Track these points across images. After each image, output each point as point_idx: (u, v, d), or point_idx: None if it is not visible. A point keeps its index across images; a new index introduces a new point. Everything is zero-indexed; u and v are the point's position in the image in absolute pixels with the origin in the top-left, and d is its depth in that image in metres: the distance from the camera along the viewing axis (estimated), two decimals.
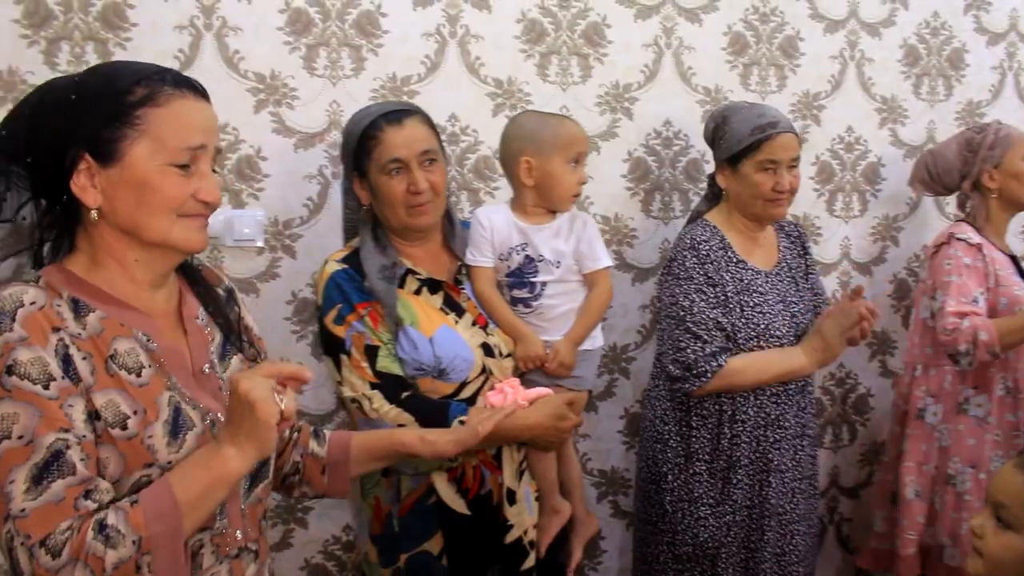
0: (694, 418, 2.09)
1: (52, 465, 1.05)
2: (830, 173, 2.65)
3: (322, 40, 2.14)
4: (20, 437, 1.05)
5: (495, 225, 1.86)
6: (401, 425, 1.68)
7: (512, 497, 1.83)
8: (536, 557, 1.88)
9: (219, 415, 1.23)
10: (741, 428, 2.07)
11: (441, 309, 1.80)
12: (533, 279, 1.86)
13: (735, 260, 2.09)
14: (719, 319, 2.02)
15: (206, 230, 1.24)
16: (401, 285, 1.77)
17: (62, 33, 1.98)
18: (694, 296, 2.03)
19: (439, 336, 1.75)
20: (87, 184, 1.15)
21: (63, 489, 1.05)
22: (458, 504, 1.77)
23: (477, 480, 1.79)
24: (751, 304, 2.06)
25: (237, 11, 2.08)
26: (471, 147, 2.28)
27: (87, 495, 1.06)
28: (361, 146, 1.75)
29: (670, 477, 2.11)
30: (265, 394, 1.10)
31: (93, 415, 1.10)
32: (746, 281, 2.08)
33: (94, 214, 1.17)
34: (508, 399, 1.74)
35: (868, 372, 2.79)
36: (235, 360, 1.33)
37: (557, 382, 1.87)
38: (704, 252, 2.06)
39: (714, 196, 2.22)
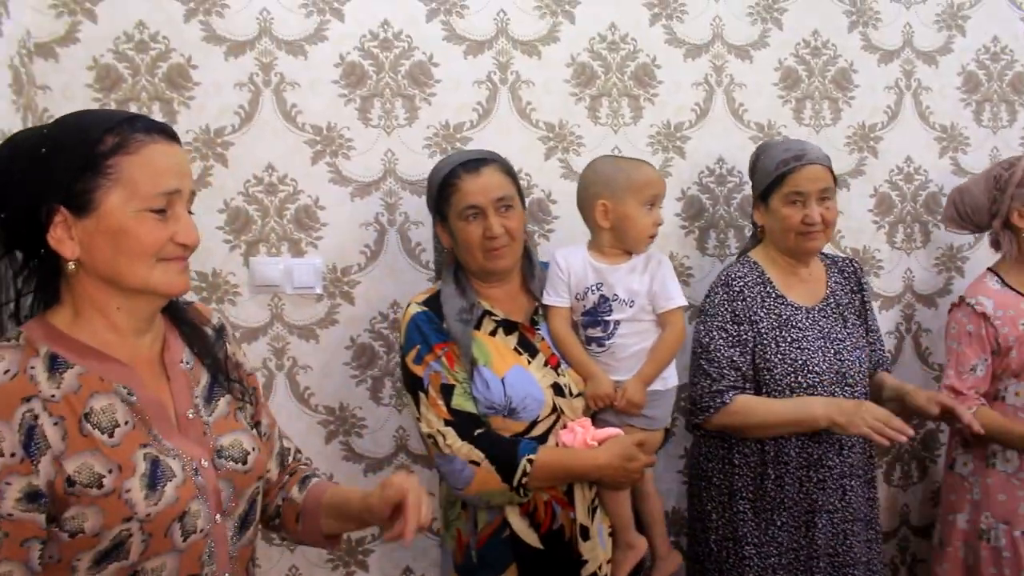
0: (736, 456, 2.08)
1: None
2: (889, 205, 2.60)
3: (376, 91, 2.20)
4: None
5: (572, 266, 1.93)
6: (473, 462, 1.75)
7: (585, 533, 1.86)
8: None
9: (202, 462, 1.24)
10: (784, 469, 2.05)
11: (515, 349, 1.86)
12: (607, 318, 1.91)
13: (774, 295, 2.10)
14: (735, 358, 2.04)
15: (187, 272, 1.25)
16: (478, 326, 1.85)
17: (130, 95, 2.07)
18: (714, 333, 2.06)
19: (511, 376, 1.81)
20: (64, 236, 1.15)
21: None
22: (531, 538, 1.83)
23: (548, 515, 1.84)
24: (788, 340, 2.05)
25: (294, 67, 2.15)
26: (524, 190, 2.29)
27: None
28: (441, 193, 1.87)
29: (714, 516, 2.12)
30: None
31: (67, 482, 1.11)
32: (784, 317, 2.08)
33: (72, 265, 1.17)
34: (578, 438, 1.81)
35: None
36: (223, 401, 1.33)
37: (628, 421, 1.90)
38: (736, 289, 2.08)
39: (760, 235, 2.22)
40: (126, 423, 1.18)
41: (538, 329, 1.92)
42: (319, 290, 2.21)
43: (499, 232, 1.82)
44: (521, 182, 2.29)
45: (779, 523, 2.06)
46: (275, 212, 2.17)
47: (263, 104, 2.15)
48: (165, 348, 1.29)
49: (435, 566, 2.34)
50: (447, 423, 1.78)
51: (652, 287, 1.91)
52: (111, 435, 1.16)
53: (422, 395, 1.80)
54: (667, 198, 2.38)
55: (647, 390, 1.90)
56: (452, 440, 1.77)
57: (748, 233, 2.45)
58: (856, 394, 2.08)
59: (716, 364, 2.04)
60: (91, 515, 1.12)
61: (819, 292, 2.15)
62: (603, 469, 1.81)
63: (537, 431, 1.82)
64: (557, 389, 1.85)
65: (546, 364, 1.87)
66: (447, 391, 1.79)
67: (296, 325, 2.21)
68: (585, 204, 1.97)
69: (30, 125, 1.98)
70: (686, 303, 1.96)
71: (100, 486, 1.13)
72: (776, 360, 2.04)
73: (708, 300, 2.11)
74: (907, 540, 2.72)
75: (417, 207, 2.23)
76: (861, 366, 2.12)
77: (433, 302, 1.88)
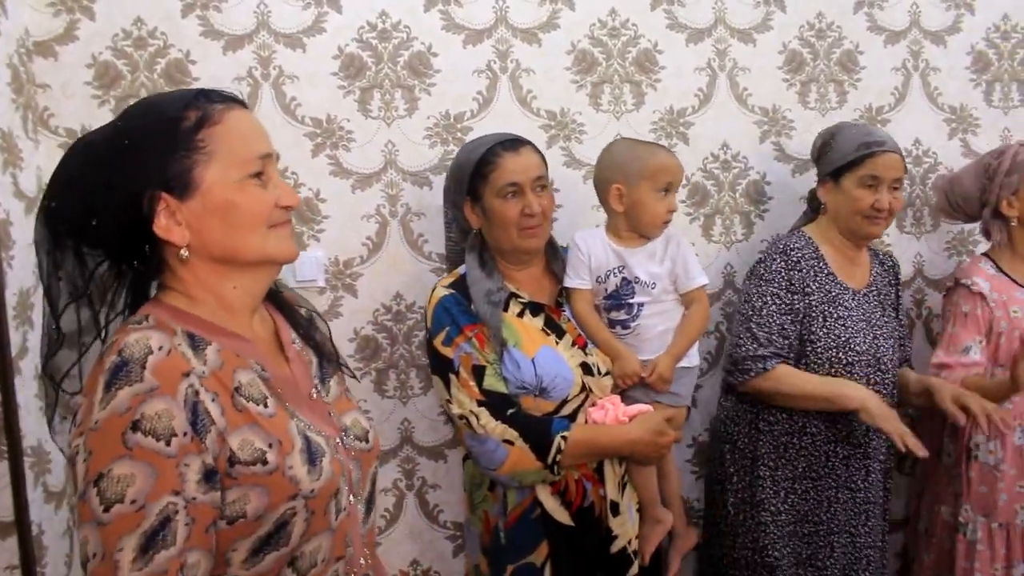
0: (762, 422, 2.11)
1: (159, 533, 1.01)
2: None
3: (375, 83, 2.19)
4: (133, 502, 1.00)
5: (592, 249, 1.95)
6: (507, 441, 1.77)
7: (616, 508, 1.90)
8: (640, 565, 1.95)
9: (337, 440, 1.20)
10: (810, 441, 2.08)
11: (543, 330, 1.89)
12: (630, 300, 1.93)
13: (825, 272, 2.12)
14: (785, 325, 2.05)
15: (293, 237, 1.22)
16: (505, 308, 1.87)
17: (129, 91, 2.08)
18: (768, 299, 2.07)
19: (540, 356, 1.83)
20: (171, 224, 1.10)
21: (166, 562, 1.01)
22: (562, 515, 1.85)
23: (580, 492, 1.86)
24: (834, 317, 2.08)
25: (293, 60, 2.14)
26: None
27: (182, 568, 1.02)
28: (478, 171, 1.86)
29: (735, 479, 2.14)
30: None
31: (229, 461, 1.06)
32: (834, 294, 2.10)
33: (184, 252, 1.12)
34: (609, 415, 1.84)
35: None
36: (333, 381, 1.30)
37: (656, 398, 1.93)
38: (795, 259, 2.10)
39: (813, 212, 2.25)
40: (271, 396, 1.14)
41: (563, 311, 1.95)
42: (322, 283, 2.21)
43: (537, 210, 1.84)
44: None
45: (799, 491, 2.09)
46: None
47: (262, 98, 2.14)
48: (278, 328, 1.26)
49: (442, 559, 2.34)
50: (480, 404, 1.79)
51: (674, 269, 1.94)
52: (265, 405, 1.12)
53: (452, 377, 1.81)
54: None
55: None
56: (486, 420, 1.78)
57: (755, 219, 2.43)
58: (887, 380, 2.13)
59: (766, 328, 2.05)
60: (254, 496, 1.07)
61: (865, 278, 2.19)
62: (635, 444, 1.84)
63: (567, 410, 1.84)
64: (585, 368, 1.87)
65: (573, 344, 1.89)
66: (478, 372, 1.81)
67: None
68: (600, 187, 1.99)
69: (30, 124, 1.99)
70: (708, 280, 1.98)
71: (264, 462, 1.07)
72: (821, 334, 2.06)
73: (763, 265, 2.12)
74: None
75: (418, 198, 2.23)
76: (894, 355, 2.16)
77: (459, 285, 1.89)
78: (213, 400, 1.07)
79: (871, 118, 2.50)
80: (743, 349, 2.06)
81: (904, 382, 2.22)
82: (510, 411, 1.80)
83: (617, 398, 1.89)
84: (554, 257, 2.00)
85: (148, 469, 1.01)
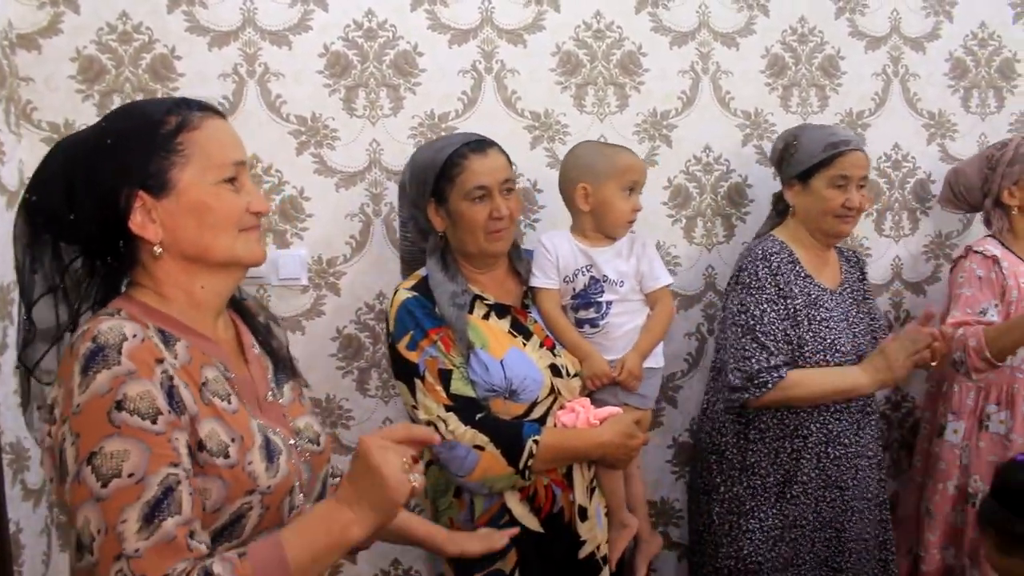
0: (752, 431, 2.10)
1: (163, 503, 1.02)
2: (878, 192, 2.59)
3: (361, 81, 2.19)
4: (131, 475, 1.02)
5: (559, 248, 1.95)
6: (478, 446, 1.73)
7: (584, 514, 1.87)
8: (609, 571, 1.93)
9: (291, 440, 1.24)
10: (802, 444, 2.08)
11: (510, 332, 1.85)
12: (599, 299, 1.93)
13: (803, 275, 2.12)
14: (787, 331, 2.04)
15: (262, 241, 1.28)
16: (470, 311, 1.83)
17: (114, 87, 2.07)
18: (765, 306, 2.05)
19: (509, 358, 1.80)
20: (146, 220, 1.15)
21: (174, 528, 1.02)
22: (531, 522, 1.82)
23: (549, 498, 1.83)
24: (818, 319, 2.08)
25: (278, 57, 2.14)
26: None
27: (191, 535, 1.04)
28: (444, 173, 1.82)
29: (722, 489, 2.13)
30: (398, 470, 1.08)
31: (198, 446, 1.09)
32: (814, 296, 2.10)
33: (157, 248, 1.16)
34: (580, 418, 1.82)
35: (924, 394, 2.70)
36: (287, 388, 1.34)
37: (624, 400, 1.93)
38: (775, 264, 2.09)
39: (778, 215, 2.25)
40: (234, 394, 1.19)
41: (530, 312, 1.93)
42: (305, 281, 2.21)
43: (505, 213, 1.82)
44: None
45: (788, 496, 2.08)
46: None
47: (247, 95, 2.14)
48: (239, 332, 1.31)
49: (422, 559, 2.34)
50: (448, 408, 1.75)
51: (640, 267, 1.95)
52: (229, 402, 1.17)
53: (418, 381, 1.77)
54: (654, 187, 2.40)
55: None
56: (455, 425, 1.74)
57: (736, 222, 2.45)
58: None
59: (772, 337, 2.02)
60: (214, 489, 1.10)
61: (837, 276, 2.20)
62: (605, 447, 1.83)
63: (536, 412, 1.82)
64: (554, 370, 1.85)
65: (541, 346, 1.87)
66: (445, 376, 1.77)
67: (282, 317, 2.20)
68: (566, 187, 1.99)
69: (12, 117, 1.98)
70: (672, 281, 2.00)
71: (227, 455, 1.11)
72: (807, 338, 2.05)
73: (747, 273, 2.09)
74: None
75: None
76: (871, 350, 2.16)
77: (422, 287, 1.85)
78: (186, 388, 1.11)
79: (852, 122, 2.54)
80: (755, 362, 2.01)
81: None
82: (479, 415, 1.76)
83: (587, 400, 1.88)
84: (518, 259, 1.98)
85: (140, 445, 1.03)
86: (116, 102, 2.07)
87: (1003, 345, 2.14)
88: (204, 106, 1.23)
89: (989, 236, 2.40)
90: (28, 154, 2.02)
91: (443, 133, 2.23)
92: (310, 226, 2.20)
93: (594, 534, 1.89)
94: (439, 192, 1.84)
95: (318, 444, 1.32)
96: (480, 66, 2.26)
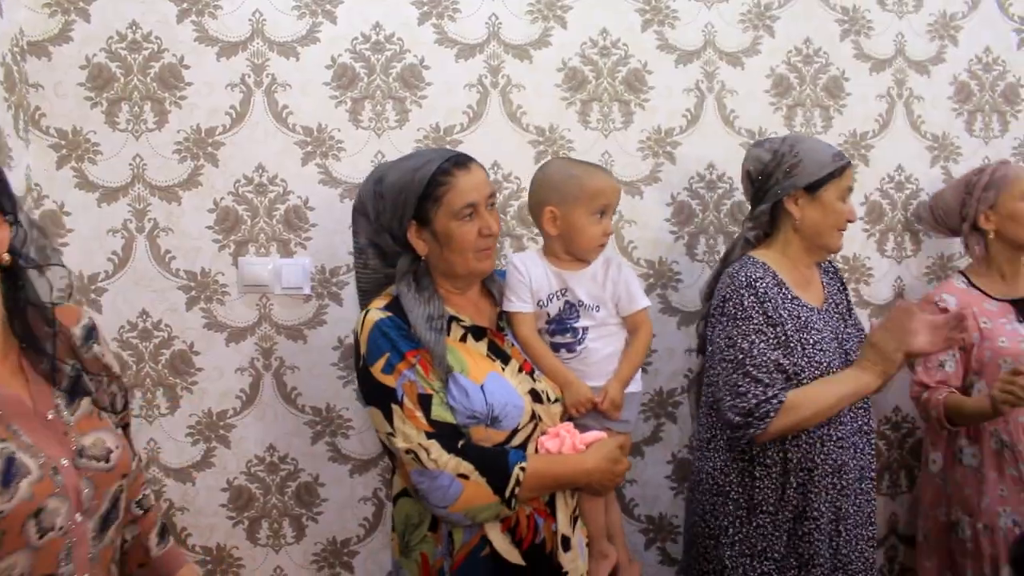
0: (757, 468, 2.00)
1: None
2: (880, 213, 2.60)
3: (367, 94, 2.21)
4: None
5: (531, 271, 1.86)
6: (462, 475, 1.64)
7: (567, 543, 1.79)
8: None
9: (62, 461, 1.24)
10: (808, 476, 1.98)
11: (488, 356, 1.78)
12: (575, 324, 1.86)
13: (790, 297, 2.03)
14: (780, 360, 1.95)
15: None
16: (448, 333, 1.75)
17: (122, 95, 2.09)
18: (753, 337, 1.96)
19: (490, 383, 1.72)
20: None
21: None
22: (513, 555, 1.72)
23: (531, 529, 1.74)
24: (811, 342, 1.99)
25: (286, 68, 2.16)
26: (514, 194, 2.32)
27: None
28: (429, 192, 1.72)
29: (731, 531, 2.02)
30: None
31: None
32: (803, 318, 2.01)
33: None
34: (566, 443, 1.75)
35: None
36: (85, 401, 1.33)
37: (606, 425, 1.86)
38: (762, 290, 1.99)
39: (764, 235, 2.16)
40: None
41: (506, 335, 1.85)
42: (307, 291, 2.22)
43: (496, 230, 1.75)
44: (511, 186, 2.32)
45: (800, 533, 1.99)
46: (265, 212, 2.19)
47: (254, 105, 2.16)
48: (23, 349, 1.30)
49: None
50: (429, 435, 1.65)
51: (616, 291, 1.87)
52: None
53: (395, 407, 1.66)
54: (657, 203, 2.42)
55: None
56: (437, 454, 1.64)
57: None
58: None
59: (765, 369, 1.93)
60: None
61: (820, 293, 2.12)
62: (591, 474, 1.75)
63: (517, 440, 1.73)
64: (534, 395, 1.77)
65: (520, 370, 1.79)
66: (425, 401, 1.67)
67: (284, 325, 2.22)
68: (534, 209, 1.91)
69: (21, 123, 1.99)
70: (650, 303, 1.94)
71: None
72: (803, 364, 1.97)
73: (732, 303, 1.99)
74: (895, 550, 2.71)
75: None
76: None
77: (395, 307, 1.74)
78: None
79: (855, 143, 2.55)
80: (751, 396, 1.92)
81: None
82: (460, 443, 1.66)
83: (570, 425, 1.79)
84: (490, 279, 1.87)
85: None
86: (124, 110, 2.10)
87: (961, 423, 2.25)
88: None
89: (959, 272, 2.44)
90: (35, 160, 2.04)
91: (448, 147, 2.24)
92: (313, 236, 2.22)
93: (576, 565, 1.80)
94: (421, 213, 1.74)
95: (107, 461, 1.31)
96: (486, 80, 2.27)
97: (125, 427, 1.44)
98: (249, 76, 2.15)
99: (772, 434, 1.93)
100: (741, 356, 1.95)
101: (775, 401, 1.91)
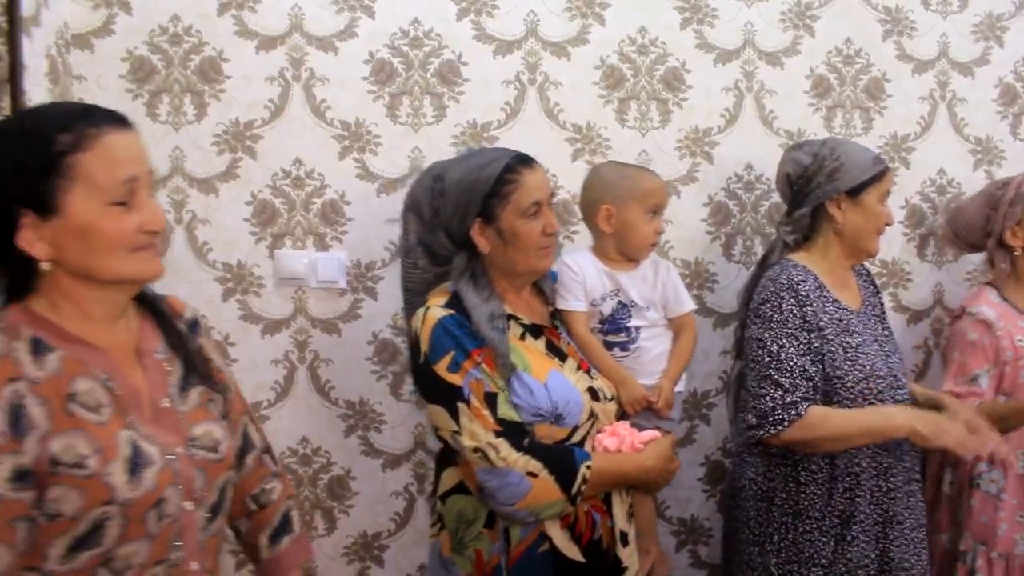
0: (802, 473, 1.97)
1: None
2: (921, 216, 2.56)
3: (405, 89, 2.21)
4: None
5: (585, 271, 1.93)
6: (531, 473, 1.64)
7: (625, 539, 1.82)
8: None
9: (177, 449, 1.25)
10: (855, 481, 1.96)
11: (547, 354, 1.80)
12: (628, 324, 1.92)
13: (831, 300, 2.01)
14: (807, 367, 1.92)
15: (158, 257, 1.27)
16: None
17: (163, 87, 2.11)
18: (784, 341, 1.94)
19: (552, 381, 1.74)
20: (33, 238, 1.15)
21: None
22: (573, 551, 1.73)
23: (589, 525, 1.76)
24: (853, 345, 1.97)
25: (324, 62, 2.17)
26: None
27: None
28: (497, 190, 1.72)
29: (776, 538, 1.99)
30: None
31: (51, 461, 1.12)
32: (844, 322, 1.99)
33: (45, 265, 1.17)
34: (625, 442, 1.78)
35: None
36: (195, 392, 1.33)
37: (657, 423, 1.90)
38: (804, 293, 1.97)
39: (804, 238, 2.13)
40: (108, 405, 1.20)
41: (561, 333, 1.88)
42: (343, 284, 2.23)
43: (558, 228, 1.79)
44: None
45: (849, 538, 1.95)
46: (301, 206, 2.19)
47: (292, 98, 2.17)
48: (141, 337, 1.31)
49: None
50: (497, 434, 1.64)
51: (665, 293, 1.96)
52: (98, 413, 1.18)
53: (462, 406, 1.65)
54: (694, 203, 2.40)
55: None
56: (506, 452, 1.63)
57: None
58: (905, 397, 2.02)
59: (789, 374, 1.91)
60: (72, 497, 1.13)
61: (858, 296, 2.11)
62: (649, 472, 1.80)
63: (577, 436, 1.75)
64: (592, 393, 1.79)
65: (578, 368, 1.82)
66: (491, 400, 1.66)
67: (319, 319, 2.23)
68: (589, 208, 1.98)
69: None
70: (696, 307, 2.00)
71: (83, 467, 1.14)
72: (847, 367, 1.94)
73: (770, 305, 1.97)
74: None
75: None
76: (903, 366, 2.08)
77: (455, 305, 1.73)
78: (41, 405, 1.13)
79: (896, 145, 2.51)
80: (767, 399, 1.91)
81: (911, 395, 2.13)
82: (526, 441, 1.68)
83: (627, 424, 1.83)
84: (541, 277, 1.89)
85: None
86: (165, 102, 2.11)
87: (999, 428, 2.10)
88: (103, 119, 1.19)
89: (988, 284, 2.35)
90: None
91: (484, 143, 2.24)
92: (349, 230, 2.22)
93: (633, 560, 1.84)
94: (487, 211, 1.74)
95: (216, 452, 1.32)
96: (524, 77, 2.27)
97: (226, 417, 1.42)
98: (288, 70, 2.16)
99: (784, 442, 1.92)
100: (768, 359, 1.94)
101: (792, 411, 1.89)
